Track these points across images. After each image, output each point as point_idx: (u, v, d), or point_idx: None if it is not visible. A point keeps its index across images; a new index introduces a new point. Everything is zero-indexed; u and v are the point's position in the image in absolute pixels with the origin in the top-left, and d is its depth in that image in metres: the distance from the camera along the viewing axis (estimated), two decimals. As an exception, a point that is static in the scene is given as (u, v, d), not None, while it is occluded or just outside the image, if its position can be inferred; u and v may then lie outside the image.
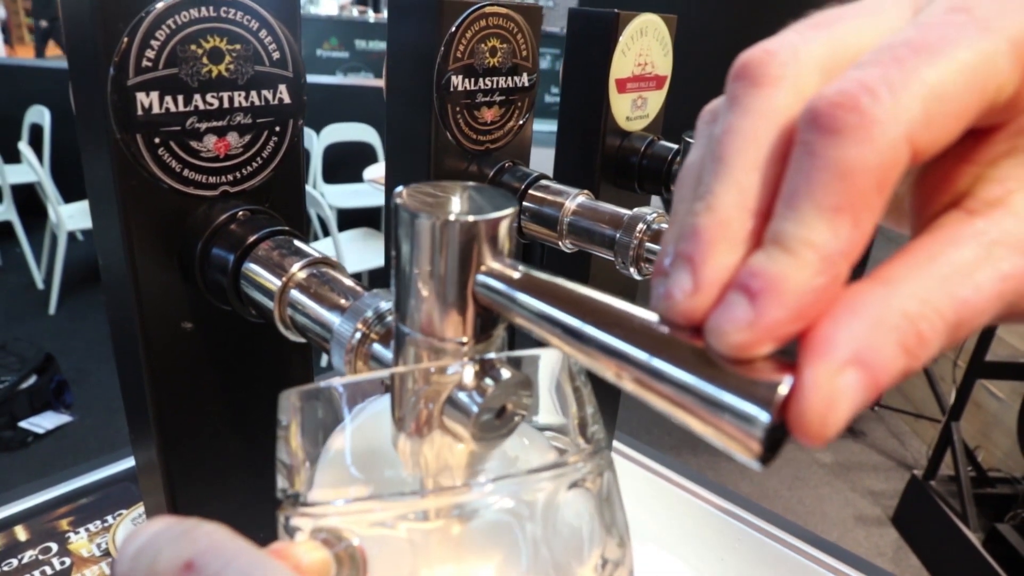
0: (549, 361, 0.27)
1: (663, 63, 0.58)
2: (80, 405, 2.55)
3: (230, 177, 0.35)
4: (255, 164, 0.35)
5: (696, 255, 0.17)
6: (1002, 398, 2.32)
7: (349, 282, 0.29)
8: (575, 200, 0.41)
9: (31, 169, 2.95)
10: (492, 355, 0.23)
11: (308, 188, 2.61)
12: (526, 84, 0.47)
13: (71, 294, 3.17)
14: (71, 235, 3.09)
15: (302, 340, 0.31)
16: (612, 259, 0.40)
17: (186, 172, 0.33)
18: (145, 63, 0.30)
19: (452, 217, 0.21)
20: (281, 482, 0.27)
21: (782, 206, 0.16)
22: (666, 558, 0.87)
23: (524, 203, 0.43)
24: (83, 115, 0.32)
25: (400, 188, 0.22)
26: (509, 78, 0.46)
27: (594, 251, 0.41)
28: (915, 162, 0.16)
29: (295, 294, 0.30)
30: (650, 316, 0.19)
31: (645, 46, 0.56)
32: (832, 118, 0.16)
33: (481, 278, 0.21)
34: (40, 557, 0.78)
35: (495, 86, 0.45)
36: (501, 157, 0.46)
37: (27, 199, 3.38)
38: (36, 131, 3.42)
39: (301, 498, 0.25)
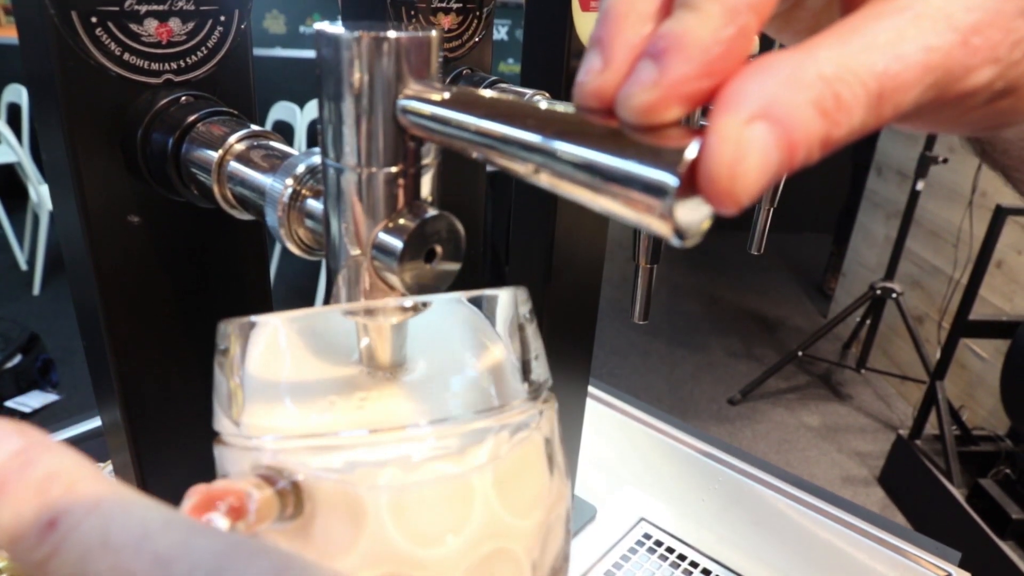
0: (504, 303, 0.27)
1: (628, -16, 0.57)
2: (66, 384, 2.54)
3: (174, 65, 0.34)
4: (200, 53, 0.35)
5: (604, 35, 0.17)
6: (986, 358, 2.34)
7: (287, 149, 0.29)
8: (531, 100, 0.41)
9: (10, 149, 2.91)
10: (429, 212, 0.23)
11: (291, 162, 2.59)
12: (484, -8, 0.47)
13: (55, 274, 3.15)
14: (53, 215, 3.06)
15: (248, 216, 0.31)
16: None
17: (127, 56, 0.32)
18: (79, -62, 0.30)
19: (372, 33, 0.20)
20: (218, 414, 0.26)
21: None
22: (647, 500, 0.87)
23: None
24: (18, -3, 0.32)
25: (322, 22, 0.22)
26: (466, -16, 0.45)
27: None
28: None
29: (233, 166, 0.30)
30: (568, 109, 0.18)
31: (609, -34, 0.55)
32: None
33: (404, 102, 0.21)
34: (17, 508, 0.78)
35: (451, -9, 0.45)
36: (459, 67, 0.45)
37: (6, 180, 3.34)
38: (14, 110, 3.37)
39: (241, 430, 0.25)
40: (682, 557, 0.78)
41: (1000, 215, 1.93)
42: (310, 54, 4.22)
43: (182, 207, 0.35)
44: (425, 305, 0.25)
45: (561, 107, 0.19)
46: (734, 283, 3.69)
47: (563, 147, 0.17)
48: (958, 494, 1.97)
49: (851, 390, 2.77)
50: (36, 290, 3.04)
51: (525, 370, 0.27)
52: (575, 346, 0.71)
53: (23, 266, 3.25)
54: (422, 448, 0.23)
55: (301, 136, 3.37)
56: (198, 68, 0.35)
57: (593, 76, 0.17)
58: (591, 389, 1.04)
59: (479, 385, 0.27)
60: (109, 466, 0.85)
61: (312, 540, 0.23)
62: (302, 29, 4.87)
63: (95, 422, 0.93)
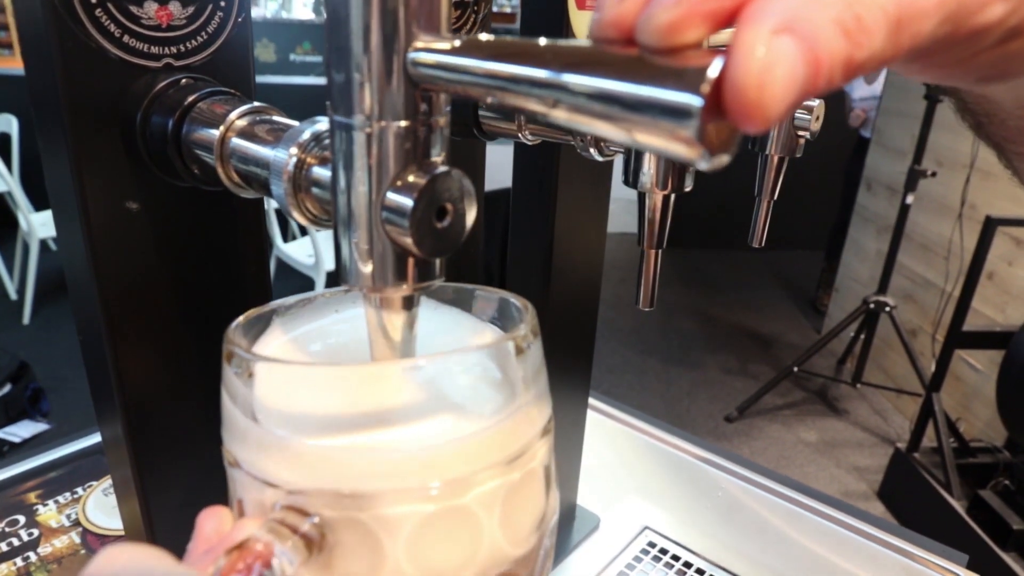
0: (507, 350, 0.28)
1: (623, -16, 0.58)
2: (57, 413, 2.51)
3: (173, 49, 0.34)
4: (200, 38, 0.34)
5: None
6: (980, 369, 2.34)
7: (290, 121, 0.29)
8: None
9: (0, 178, 2.90)
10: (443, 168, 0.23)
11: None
12: (481, -13, 0.47)
13: (45, 303, 3.12)
14: (43, 244, 3.05)
15: (254, 194, 0.30)
16: (572, 143, 0.39)
17: (126, 38, 0.32)
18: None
19: (382, -18, 0.20)
20: (232, 436, 0.26)
21: None
22: (650, 508, 0.86)
23: (482, 98, 0.42)
24: (16, -23, 0.31)
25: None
26: (464, -21, 0.46)
27: (554, 138, 0.41)
28: None
29: (236, 142, 0.29)
30: (586, 44, 0.18)
31: (604, -34, 0.55)
32: None
33: (414, 55, 0.21)
34: (7, 529, 0.76)
35: (449, -15, 0.45)
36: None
37: (-4, 209, 3.33)
38: (4, 140, 3.36)
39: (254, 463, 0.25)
40: (688, 564, 0.77)
41: (990, 226, 1.95)
42: (301, 80, 4.25)
43: (181, 193, 0.35)
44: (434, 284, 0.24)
45: (574, 42, 0.18)
46: (728, 301, 3.70)
47: (581, 79, 0.17)
48: (958, 506, 1.95)
49: (847, 405, 2.76)
50: (26, 319, 3.01)
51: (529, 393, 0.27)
52: (575, 358, 0.71)
53: (13, 295, 3.23)
54: (434, 490, 0.24)
55: (293, 161, 3.37)
56: (198, 53, 0.35)
57: (612, 5, 0.17)
58: (592, 401, 1.03)
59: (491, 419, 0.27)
60: (108, 481, 0.84)
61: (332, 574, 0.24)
62: (292, 57, 4.91)
63: (85, 442, 0.91)
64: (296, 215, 0.26)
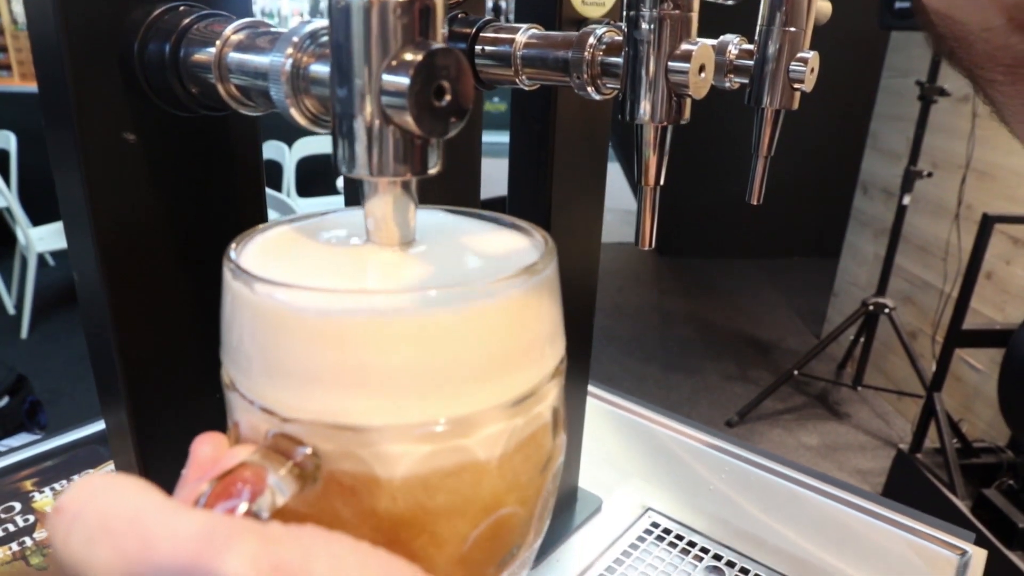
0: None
1: (618, -48, 0.58)
2: (55, 426, 2.49)
3: (172, -18, 0.34)
4: (198, -28, 0.35)
5: None
6: (981, 369, 2.34)
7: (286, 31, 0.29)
8: (526, 33, 0.41)
9: (-1, 193, 2.91)
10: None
11: (282, 197, 2.60)
12: (478, -60, 0.47)
13: (44, 317, 3.12)
14: (41, 259, 3.05)
15: (258, 111, 0.30)
16: (570, 84, 0.40)
17: (125, -34, 0.32)
18: None
19: None
20: (230, 362, 0.26)
21: None
22: (652, 490, 0.85)
23: (476, 46, 0.43)
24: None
25: None
26: (460, -70, 0.46)
27: (551, 80, 0.41)
28: None
29: (233, 56, 0.29)
30: None
31: (599, -69, 0.56)
32: None
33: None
34: (2, 516, 0.75)
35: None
36: (453, 11, 0.46)
37: (-6, 225, 3.33)
38: (2, 156, 3.38)
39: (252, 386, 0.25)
40: (691, 544, 0.76)
41: (987, 224, 1.95)
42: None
43: (179, 124, 0.35)
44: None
45: None
46: (726, 307, 3.70)
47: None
48: (963, 506, 1.94)
49: (848, 408, 2.75)
50: (24, 333, 3.01)
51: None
52: (572, 336, 0.70)
53: (11, 310, 3.22)
54: (435, 427, 0.23)
55: (290, 173, 3.39)
56: (196, -13, 0.35)
57: None
58: (592, 389, 1.03)
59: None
60: (105, 468, 0.83)
61: (326, 508, 0.24)
62: (290, 74, 4.94)
63: (82, 432, 0.91)
64: (297, 116, 0.26)
